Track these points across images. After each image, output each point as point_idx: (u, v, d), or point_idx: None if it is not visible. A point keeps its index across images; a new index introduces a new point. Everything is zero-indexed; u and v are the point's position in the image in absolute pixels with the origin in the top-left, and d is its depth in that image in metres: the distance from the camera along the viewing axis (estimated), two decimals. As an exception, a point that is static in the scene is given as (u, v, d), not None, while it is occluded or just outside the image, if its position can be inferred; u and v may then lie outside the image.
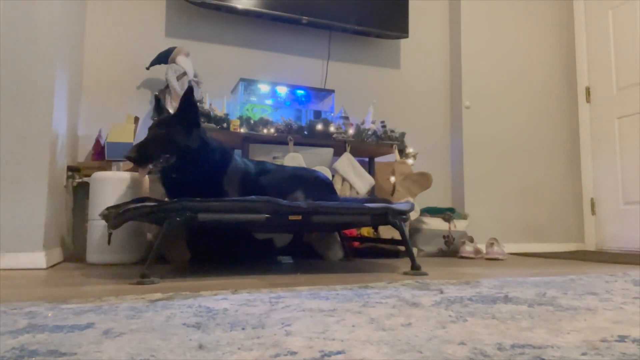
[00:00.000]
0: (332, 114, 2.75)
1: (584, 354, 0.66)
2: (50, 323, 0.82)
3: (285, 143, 2.48)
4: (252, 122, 2.43)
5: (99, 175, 2.08)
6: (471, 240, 2.76)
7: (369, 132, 2.66)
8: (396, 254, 2.52)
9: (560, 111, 3.66)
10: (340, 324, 0.83)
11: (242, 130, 2.40)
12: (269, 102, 2.70)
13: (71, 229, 2.42)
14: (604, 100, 3.50)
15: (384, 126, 2.73)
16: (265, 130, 2.43)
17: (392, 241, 2.27)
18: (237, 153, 2.25)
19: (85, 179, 2.22)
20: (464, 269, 2.06)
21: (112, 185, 2.04)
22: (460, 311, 0.96)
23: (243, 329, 0.79)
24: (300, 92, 2.82)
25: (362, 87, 3.23)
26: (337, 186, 2.52)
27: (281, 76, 2.97)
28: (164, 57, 2.53)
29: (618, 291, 1.26)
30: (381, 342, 0.71)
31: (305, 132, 2.52)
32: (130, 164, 2.23)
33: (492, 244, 2.66)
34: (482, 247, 2.71)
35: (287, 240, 2.28)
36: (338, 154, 2.66)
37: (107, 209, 1.65)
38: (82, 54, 2.61)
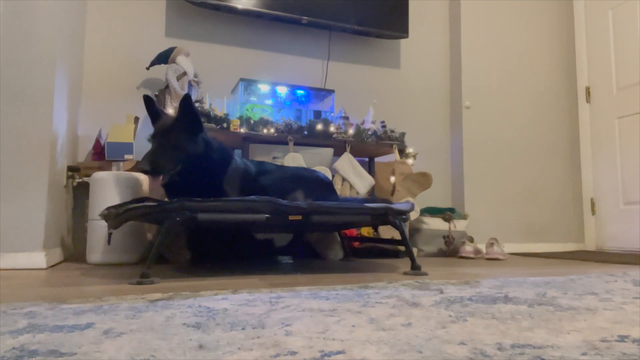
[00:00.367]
0: (332, 114, 2.74)
1: (584, 354, 0.66)
2: (50, 323, 0.82)
3: (285, 143, 2.48)
4: (252, 122, 2.43)
5: (99, 175, 2.08)
6: (471, 240, 2.76)
7: (369, 132, 2.66)
8: (396, 254, 2.52)
9: (560, 111, 3.66)
10: (340, 324, 0.83)
11: (242, 130, 2.40)
12: (269, 102, 2.70)
13: (71, 229, 2.42)
14: (604, 100, 3.50)
15: (384, 126, 2.73)
16: (265, 130, 2.43)
17: (392, 241, 2.27)
18: (237, 153, 2.25)
19: (85, 179, 2.22)
20: (464, 269, 2.06)
21: (112, 185, 2.04)
22: (460, 311, 0.96)
23: (243, 329, 0.79)
24: (300, 92, 2.82)
25: (362, 87, 3.24)
26: (337, 186, 2.52)
27: (281, 76, 2.97)
28: (164, 57, 2.54)
29: (618, 291, 1.25)
30: (381, 342, 0.71)
31: (305, 132, 2.52)
32: (130, 164, 2.24)
33: (492, 244, 2.65)
34: (482, 247, 2.71)
35: (287, 240, 2.28)
36: (338, 154, 2.65)
37: (107, 209, 1.65)
38: (82, 54, 2.61)
